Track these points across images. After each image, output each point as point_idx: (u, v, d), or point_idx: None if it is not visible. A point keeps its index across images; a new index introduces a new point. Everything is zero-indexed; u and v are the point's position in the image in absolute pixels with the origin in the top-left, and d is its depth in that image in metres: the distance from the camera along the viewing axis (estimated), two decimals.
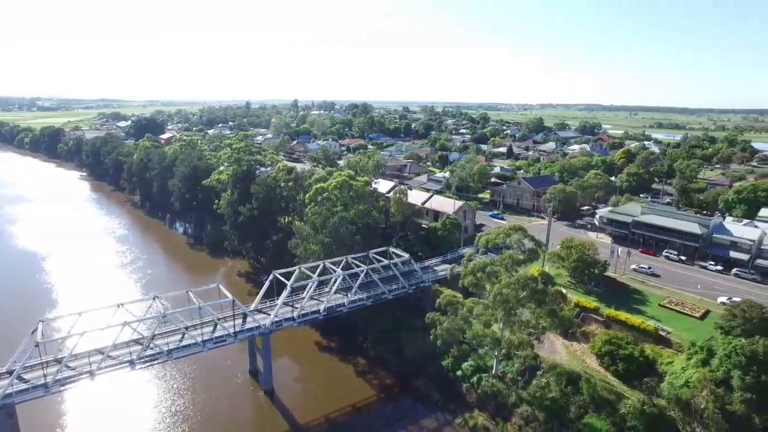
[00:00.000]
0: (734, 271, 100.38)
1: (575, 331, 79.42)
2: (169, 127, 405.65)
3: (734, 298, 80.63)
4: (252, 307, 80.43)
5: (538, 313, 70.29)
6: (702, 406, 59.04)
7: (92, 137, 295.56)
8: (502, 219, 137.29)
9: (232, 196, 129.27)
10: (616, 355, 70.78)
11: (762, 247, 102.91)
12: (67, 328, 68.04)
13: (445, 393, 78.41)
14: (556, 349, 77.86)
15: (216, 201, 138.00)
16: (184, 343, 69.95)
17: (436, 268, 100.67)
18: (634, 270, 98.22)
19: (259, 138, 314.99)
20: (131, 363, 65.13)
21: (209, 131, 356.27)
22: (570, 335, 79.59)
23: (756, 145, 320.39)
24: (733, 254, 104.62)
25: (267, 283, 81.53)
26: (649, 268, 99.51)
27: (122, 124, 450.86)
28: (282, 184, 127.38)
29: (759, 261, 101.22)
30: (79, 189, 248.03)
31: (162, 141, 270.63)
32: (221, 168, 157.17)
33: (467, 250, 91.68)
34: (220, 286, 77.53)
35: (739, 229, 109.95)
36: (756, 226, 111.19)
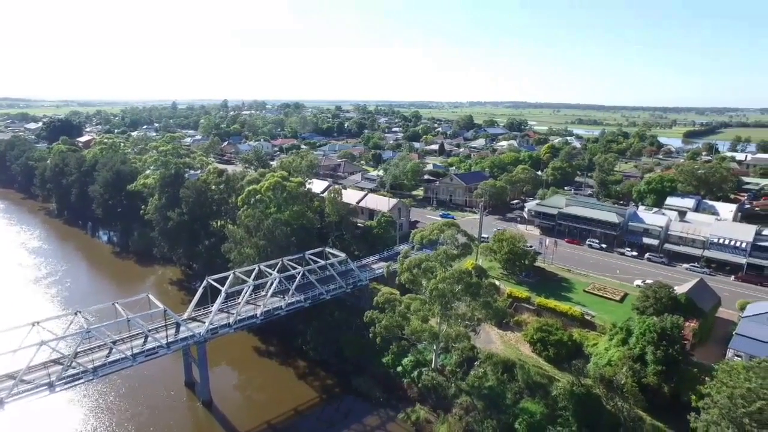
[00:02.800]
0: (647, 255, 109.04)
1: (509, 321, 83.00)
2: (88, 129, 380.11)
3: (647, 281, 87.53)
4: (185, 315, 77.29)
5: (473, 306, 72.56)
6: (622, 382, 63.81)
7: None
8: (454, 218, 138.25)
9: (160, 200, 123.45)
10: (547, 342, 74.67)
11: (669, 232, 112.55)
12: None
13: (387, 390, 79.27)
14: (492, 339, 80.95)
15: (143, 206, 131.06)
16: (111, 358, 65.89)
17: (373, 266, 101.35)
18: None
19: (188, 140, 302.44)
20: (50, 386, 60.27)
21: (133, 133, 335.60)
22: (504, 325, 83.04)
23: (662, 139, 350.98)
24: (645, 240, 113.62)
25: (200, 290, 78.68)
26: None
27: (32, 126, 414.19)
28: (213, 187, 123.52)
29: (667, 245, 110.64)
30: None
31: (80, 144, 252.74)
32: (147, 172, 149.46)
33: (403, 248, 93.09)
34: (149, 295, 73.91)
35: (650, 217, 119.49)
36: (663, 214, 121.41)
